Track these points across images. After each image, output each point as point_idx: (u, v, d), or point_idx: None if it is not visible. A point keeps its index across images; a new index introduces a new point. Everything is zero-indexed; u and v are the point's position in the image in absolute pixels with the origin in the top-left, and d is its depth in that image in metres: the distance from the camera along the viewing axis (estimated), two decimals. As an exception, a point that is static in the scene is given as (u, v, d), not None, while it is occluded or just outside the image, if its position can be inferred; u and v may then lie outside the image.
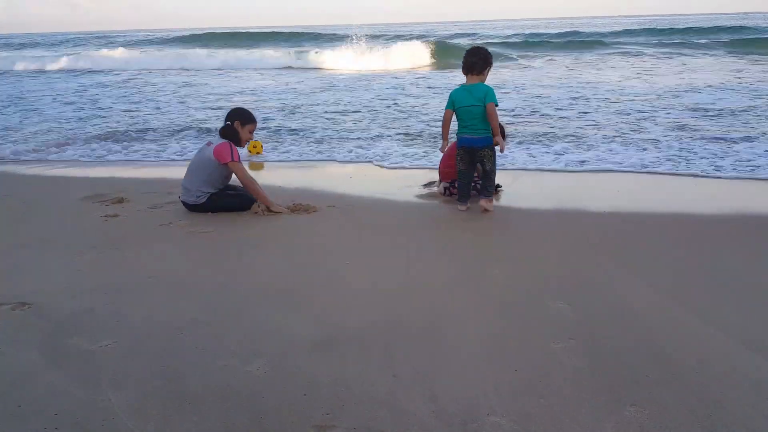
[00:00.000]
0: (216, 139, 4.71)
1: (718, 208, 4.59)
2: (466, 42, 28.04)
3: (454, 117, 4.63)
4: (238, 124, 4.72)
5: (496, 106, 4.48)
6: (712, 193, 5.14)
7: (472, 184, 4.81)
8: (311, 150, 7.39)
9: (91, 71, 21.73)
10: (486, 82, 4.57)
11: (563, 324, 2.71)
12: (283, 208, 4.65)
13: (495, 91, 4.54)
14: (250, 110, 4.88)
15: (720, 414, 2.05)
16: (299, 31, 41.23)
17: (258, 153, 7.23)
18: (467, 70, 4.57)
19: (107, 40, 46.75)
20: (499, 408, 2.09)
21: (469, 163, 4.63)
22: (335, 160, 6.88)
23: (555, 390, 2.20)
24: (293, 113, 10.29)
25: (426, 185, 5.38)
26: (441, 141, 4.74)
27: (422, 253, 3.74)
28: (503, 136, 4.78)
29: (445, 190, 5.11)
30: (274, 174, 6.27)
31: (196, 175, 4.66)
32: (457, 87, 4.62)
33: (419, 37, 31.17)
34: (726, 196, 5.00)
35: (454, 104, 4.56)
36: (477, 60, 4.52)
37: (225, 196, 4.72)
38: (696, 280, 3.24)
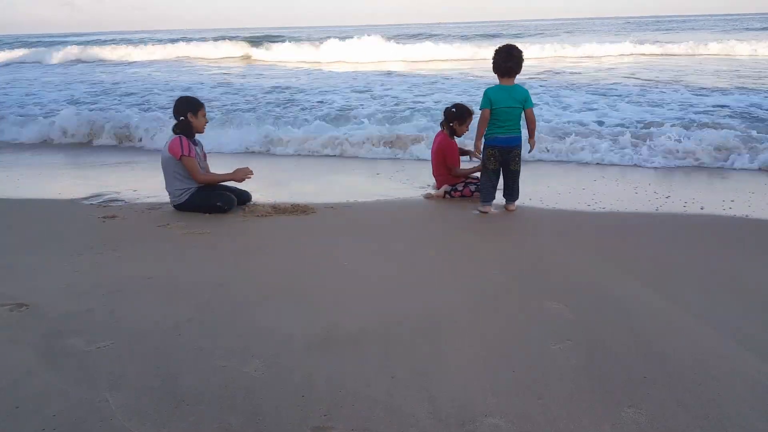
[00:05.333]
0: (170, 136, 4.73)
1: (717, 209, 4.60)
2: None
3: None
4: (190, 115, 4.72)
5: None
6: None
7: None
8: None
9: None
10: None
11: (561, 325, 2.71)
12: (245, 170, 4.80)
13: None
14: (191, 96, 4.90)
15: (717, 414, 2.05)
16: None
17: None
18: (503, 73, 4.51)
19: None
20: (496, 409, 2.09)
21: (500, 163, 4.60)
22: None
23: (553, 391, 2.20)
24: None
25: (426, 196, 5.25)
26: (474, 140, 4.67)
27: (420, 253, 3.74)
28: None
29: (445, 194, 5.11)
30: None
31: (166, 176, 4.73)
32: (494, 86, 4.55)
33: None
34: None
35: (491, 104, 4.48)
36: (513, 65, 4.47)
37: (207, 195, 4.73)
38: (693, 280, 3.24)
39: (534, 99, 5.11)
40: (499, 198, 4.73)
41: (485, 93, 4.52)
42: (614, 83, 12.93)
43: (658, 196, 5.04)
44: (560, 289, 3.10)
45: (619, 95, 11.04)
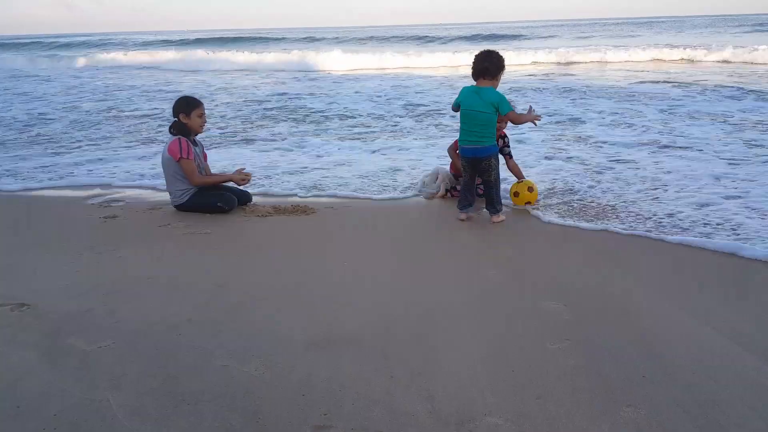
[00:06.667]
0: (169, 137, 4.73)
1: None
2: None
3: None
4: (182, 116, 4.69)
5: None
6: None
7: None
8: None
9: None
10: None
11: (559, 324, 2.72)
12: (241, 174, 4.85)
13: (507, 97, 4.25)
14: (190, 95, 4.87)
15: (715, 414, 2.06)
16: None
17: (529, 201, 4.73)
18: (479, 74, 4.25)
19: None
20: (495, 408, 2.10)
21: (473, 173, 4.39)
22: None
23: (551, 390, 2.21)
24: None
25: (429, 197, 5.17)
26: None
27: (418, 253, 3.75)
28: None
29: (446, 192, 5.10)
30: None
31: (166, 176, 4.74)
32: (468, 86, 4.33)
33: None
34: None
35: (460, 104, 4.30)
36: (489, 65, 4.19)
37: (207, 195, 4.73)
38: (690, 280, 3.25)
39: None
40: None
41: (460, 91, 4.34)
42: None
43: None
44: (559, 289, 3.10)
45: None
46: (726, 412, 2.06)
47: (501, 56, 4.30)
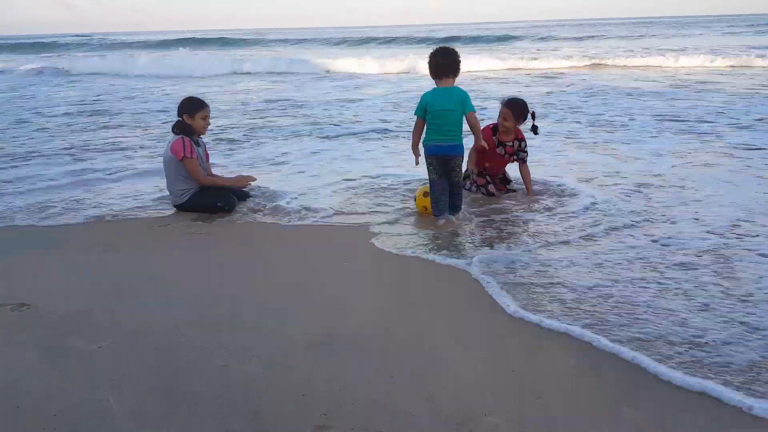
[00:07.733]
0: (172, 137, 4.70)
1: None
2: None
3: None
4: (186, 116, 4.68)
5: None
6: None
7: (482, 186, 4.76)
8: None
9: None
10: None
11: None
12: (248, 177, 4.90)
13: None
14: (196, 97, 4.84)
15: (716, 413, 2.06)
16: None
17: (426, 206, 4.41)
18: (440, 74, 4.15)
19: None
20: (495, 408, 2.10)
21: (443, 173, 4.23)
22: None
23: (551, 390, 2.20)
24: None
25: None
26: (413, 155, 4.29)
27: (419, 253, 3.74)
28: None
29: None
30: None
31: (167, 176, 4.72)
32: (430, 90, 4.20)
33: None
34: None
35: (426, 110, 4.15)
36: (450, 62, 4.14)
37: (207, 195, 4.71)
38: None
39: None
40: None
41: (421, 98, 4.19)
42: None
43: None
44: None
45: None
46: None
47: (457, 53, 4.23)
